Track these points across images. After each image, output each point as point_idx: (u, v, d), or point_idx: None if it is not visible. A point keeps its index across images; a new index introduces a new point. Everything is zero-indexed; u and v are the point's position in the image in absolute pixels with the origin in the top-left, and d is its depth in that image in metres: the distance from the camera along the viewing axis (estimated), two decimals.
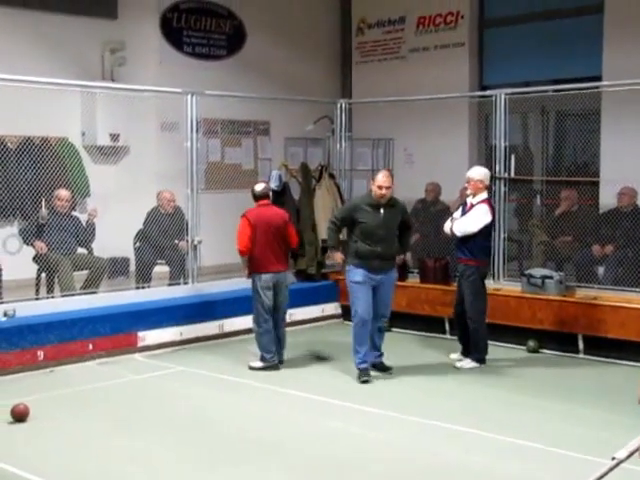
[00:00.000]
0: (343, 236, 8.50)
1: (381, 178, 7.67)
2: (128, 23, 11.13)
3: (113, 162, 10.93)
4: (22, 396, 6.78)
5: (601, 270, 9.31)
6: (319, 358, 8.63)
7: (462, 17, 12.24)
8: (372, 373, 7.75)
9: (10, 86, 8.18)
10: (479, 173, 8.25)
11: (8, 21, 10.06)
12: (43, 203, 8.94)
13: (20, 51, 10.01)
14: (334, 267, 10.15)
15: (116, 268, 9.72)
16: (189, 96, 9.47)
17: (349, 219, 7.82)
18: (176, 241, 9.78)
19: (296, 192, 10.76)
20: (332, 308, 10.61)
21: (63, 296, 8.79)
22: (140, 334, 8.75)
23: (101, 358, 8.40)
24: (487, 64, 12.33)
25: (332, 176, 11.02)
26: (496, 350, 8.60)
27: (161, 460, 5.70)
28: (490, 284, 9.09)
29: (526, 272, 9.26)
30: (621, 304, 8.50)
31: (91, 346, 8.36)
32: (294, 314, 8.98)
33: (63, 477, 5.43)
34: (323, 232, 10.36)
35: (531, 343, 8.88)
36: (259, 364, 8.14)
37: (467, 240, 8.12)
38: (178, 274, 9.73)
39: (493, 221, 8.42)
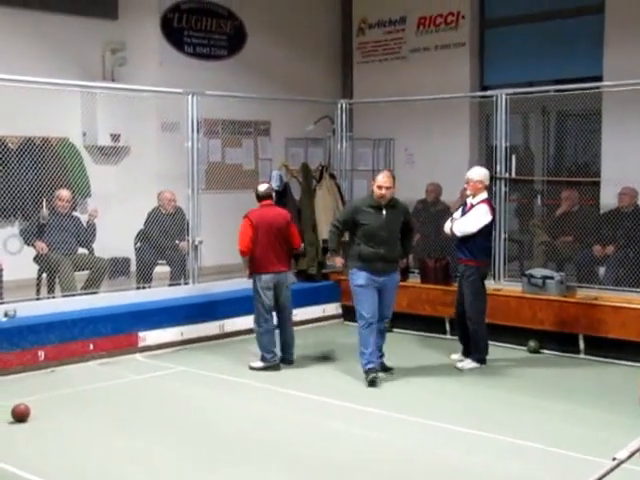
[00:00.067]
0: (345, 237, 8.47)
1: (381, 178, 7.65)
2: (129, 23, 11.13)
3: (114, 162, 10.93)
4: (23, 396, 6.78)
5: (602, 270, 9.31)
6: (326, 358, 8.63)
7: (463, 17, 12.24)
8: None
9: (11, 86, 8.19)
10: (478, 173, 8.24)
11: (8, 21, 10.07)
12: (44, 203, 8.95)
13: (20, 51, 10.01)
14: (335, 268, 10.14)
15: (117, 268, 9.71)
16: (190, 96, 9.47)
17: (351, 221, 7.77)
18: (177, 241, 9.78)
19: (297, 192, 10.76)
20: (333, 308, 10.61)
21: (64, 296, 8.79)
22: (141, 334, 8.75)
23: (102, 358, 8.40)
24: (488, 64, 12.33)
25: (333, 176, 11.02)
26: (497, 350, 8.60)
27: (162, 460, 5.71)
28: (491, 284, 9.10)
29: (527, 272, 9.26)
30: (622, 304, 8.50)
31: (92, 346, 8.36)
32: (295, 314, 8.91)
33: (64, 477, 5.43)
34: (324, 232, 10.36)
35: (532, 343, 8.88)
36: (260, 364, 8.14)
37: (467, 240, 8.12)
38: (179, 274, 9.73)
39: (493, 221, 8.42)
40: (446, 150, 11.59)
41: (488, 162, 9.99)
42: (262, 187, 8.38)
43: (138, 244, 9.73)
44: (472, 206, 8.16)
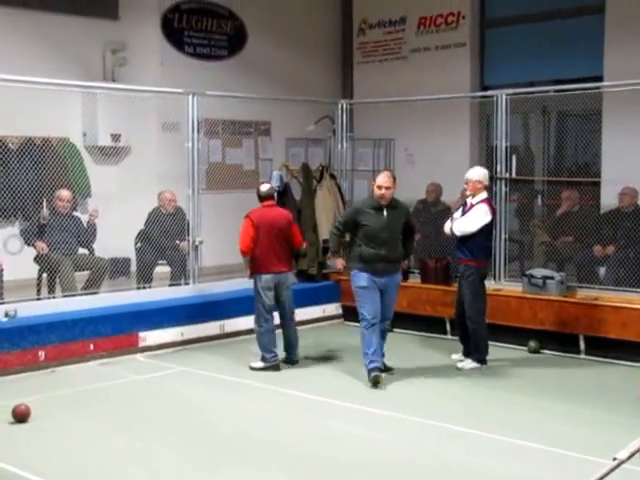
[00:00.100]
0: (345, 238, 8.47)
1: (381, 178, 7.65)
2: (129, 24, 11.12)
3: (114, 162, 10.92)
4: (23, 396, 6.79)
5: (602, 271, 9.31)
6: (326, 358, 8.63)
7: (463, 17, 12.24)
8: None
9: (11, 86, 8.19)
10: (477, 174, 8.25)
11: (8, 21, 10.05)
12: (44, 203, 8.95)
13: (20, 51, 10.01)
14: (335, 268, 10.13)
15: (117, 268, 9.71)
16: (190, 96, 9.48)
17: (352, 223, 7.76)
18: (177, 241, 9.78)
19: (297, 192, 10.76)
20: (333, 309, 10.61)
21: (64, 296, 8.79)
22: (141, 334, 8.76)
23: (102, 358, 8.40)
24: (488, 64, 12.32)
25: (333, 176, 11.02)
26: (497, 350, 8.60)
27: (162, 460, 5.71)
28: (491, 284, 9.11)
29: (527, 272, 9.26)
30: (622, 304, 8.50)
31: (92, 346, 8.36)
32: (295, 315, 8.91)
33: (64, 477, 5.44)
34: (324, 232, 10.38)
35: (532, 343, 8.88)
36: (260, 364, 8.14)
37: (467, 240, 8.12)
38: (179, 274, 9.73)
39: (493, 221, 8.42)
40: (446, 150, 11.59)
41: (488, 162, 9.99)
42: (264, 187, 8.39)
43: (138, 244, 9.73)
44: (472, 206, 8.16)
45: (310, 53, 12.99)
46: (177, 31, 11.70)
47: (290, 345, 8.34)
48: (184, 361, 8.46)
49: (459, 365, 8.22)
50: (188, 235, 9.59)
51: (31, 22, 10.30)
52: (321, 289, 10.54)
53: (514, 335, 9.01)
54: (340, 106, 11.28)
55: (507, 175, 9.53)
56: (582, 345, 8.68)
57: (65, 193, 9.24)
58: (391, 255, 7.67)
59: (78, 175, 10.48)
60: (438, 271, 9.85)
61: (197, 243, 9.56)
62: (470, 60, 12.24)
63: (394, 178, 7.72)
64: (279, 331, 8.37)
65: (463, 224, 8.12)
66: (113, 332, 8.52)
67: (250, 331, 8.73)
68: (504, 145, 9.54)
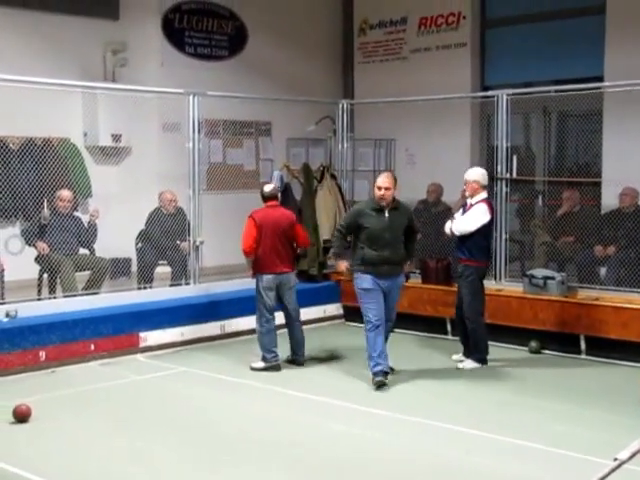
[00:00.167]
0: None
1: (381, 179, 7.64)
2: (130, 24, 11.12)
3: (115, 163, 10.93)
4: (24, 396, 6.79)
5: (603, 271, 9.31)
6: (327, 359, 8.64)
7: (464, 17, 12.24)
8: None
9: (12, 87, 8.19)
10: (475, 174, 8.25)
11: (8, 21, 10.06)
12: (45, 204, 8.95)
13: (20, 51, 10.01)
14: (335, 268, 10.13)
15: (118, 269, 9.72)
16: (191, 97, 9.48)
17: (354, 225, 7.73)
18: (178, 242, 9.78)
19: (298, 193, 10.75)
20: (334, 309, 10.61)
21: (65, 297, 8.79)
22: (142, 335, 8.76)
23: (103, 359, 8.40)
24: (489, 64, 12.33)
25: (334, 177, 11.01)
26: (498, 351, 8.60)
27: (163, 460, 5.71)
28: (492, 285, 9.11)
29: (528, 273, 9.26)
30: (623, 305, 8.50)
31: (93, 347, 8.36)
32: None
33: (65, 477, 5.44)
34: (325, 233, 10.38)
35: (533, 344, 8.88)
36: (261, 364, 8.13)
37: (466, 240, 8.12)
38: (180, 275, 9.73)
39: (492, 221, 8.42)
40: (447, 150, 11.58)
41: (489, 162, 9.99)
42: (268, 187, 8.39)
43: (139, 244, 9.73)
44: (471, 206, 8.17)
45: (311, 53, 12.99)
46: (178, 31, 11.71)
47: (297, 344, 8.32)
48: (185, 361, 8.46)
49: (460, 365, 8.23)
50: (189, 235, 9.59)
51: (31, 22, 10.31)
52: (322, 289, 10.53)
53: (515, 335, 9.01)
54: (341, 106, 11.28)
55: (508, 175, 9.53)
56: (583, 345, 8.67)
57: (66, 193, 9.24)
58: (394, 257, 7.64)
59: (79, 175, 10.49)
60: (439, 271, 9.85)
61: (198, 243, 9.56)
62: (471, 60, 12.24)
63: (395, 179, 7.70)
64: (285, 331, 8.37)
65: (462, 224, 8.13)
66: (114, 332, 8.52)
67: (251, 331, 8.73)
68: (505, 145, 9.54)
